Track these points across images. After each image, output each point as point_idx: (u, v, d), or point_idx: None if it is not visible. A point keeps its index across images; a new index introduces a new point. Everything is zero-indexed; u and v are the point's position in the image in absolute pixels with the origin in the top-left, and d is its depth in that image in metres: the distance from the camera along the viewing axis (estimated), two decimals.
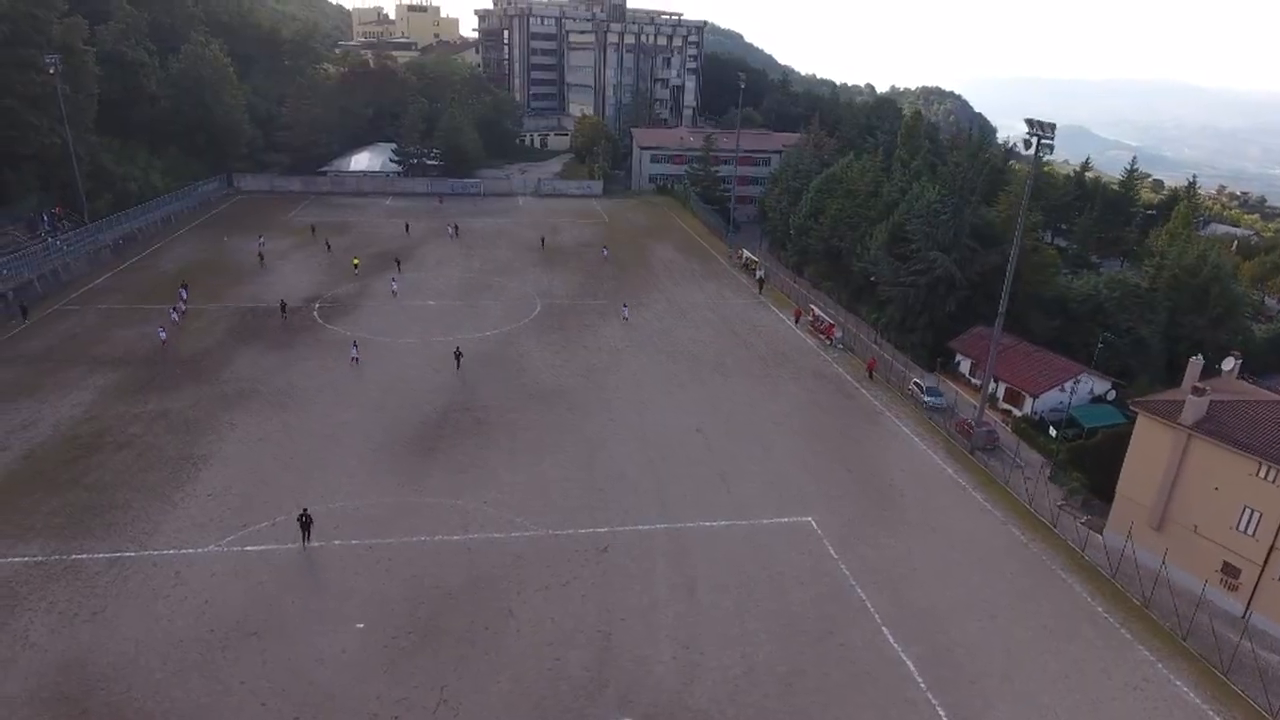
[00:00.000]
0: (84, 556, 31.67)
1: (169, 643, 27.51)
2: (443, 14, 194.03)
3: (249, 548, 32.76)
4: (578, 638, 28.50)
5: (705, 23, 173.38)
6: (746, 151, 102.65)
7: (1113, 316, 57.96)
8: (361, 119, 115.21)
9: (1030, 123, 38.56)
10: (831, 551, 34.31)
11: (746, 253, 79.64)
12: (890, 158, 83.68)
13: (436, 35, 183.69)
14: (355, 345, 52.02)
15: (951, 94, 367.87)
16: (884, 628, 29.94)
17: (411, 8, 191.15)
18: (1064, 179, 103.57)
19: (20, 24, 68.73)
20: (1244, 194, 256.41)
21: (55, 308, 58.17)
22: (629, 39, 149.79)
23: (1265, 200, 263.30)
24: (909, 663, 28.22)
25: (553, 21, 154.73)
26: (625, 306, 63.66)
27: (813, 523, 36.27)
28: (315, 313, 59.69)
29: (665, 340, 58.25)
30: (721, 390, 50.20)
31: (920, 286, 59.51)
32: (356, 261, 71.34)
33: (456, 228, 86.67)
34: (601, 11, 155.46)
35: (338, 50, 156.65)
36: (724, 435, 44.17)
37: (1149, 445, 37.66)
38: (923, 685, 27.20)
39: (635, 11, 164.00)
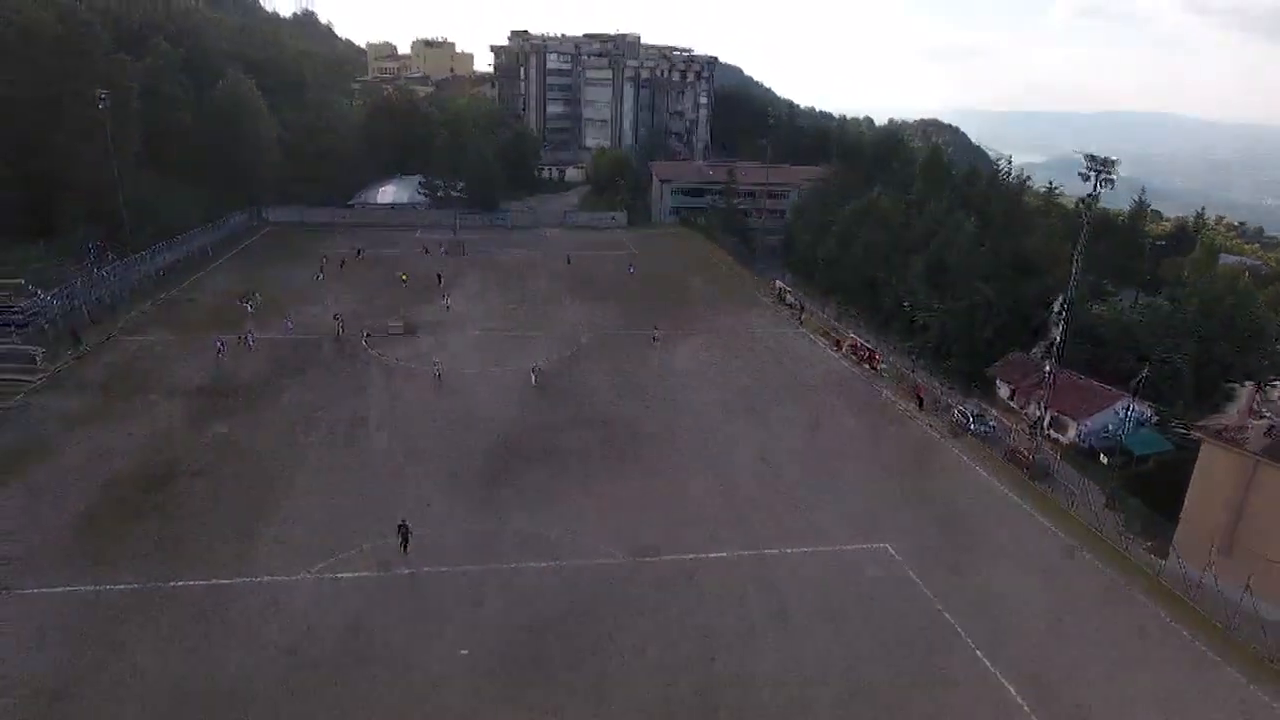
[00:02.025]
0: (181, 584, 31.96)
1: (279, 668, 27.78)
2: (457, 49, 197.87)
3: (341, 575, 33.10)
4: (683, 662, 28.86)
5: (715, 58, 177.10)
6: (768, 184, 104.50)
7: (1144, 344, 59.04)
8: (387, 152, 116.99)
9: (1090, 158, 39.86)
10: (913, 576, 34.82)
11: (780, 283, 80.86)
12: (910, 190, 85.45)
13: (451, 70, 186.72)
14: (438, 362, 54.79)
15: (949, 126, 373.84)
16: (978, 651, 30.37)
17: (428, 43, 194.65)
18: (1072, 210, 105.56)
19: (69, 60, 70.39)
20: (1241, 224, 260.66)
21: (107, 337, 58.70)
22: (644, 74, 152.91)
23: (1263, 230, 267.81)
24: (1010, 686, 28.62)
25: (568, 57, 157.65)
26: (656, 329, 64.98)
27: (890, 549, 36.78)
28: (364, 341, 60.40)
29: (714, 369, 59.10)
30: (777, 418, 50.92)
31: (959, 314, 60.69)
32: (404, 276, 77.37)
33: (462, 246, 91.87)
34: (616, 47, 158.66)
35: (356, 85, 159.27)
36: (788, 463, 44.83)
37: (1214, 471, 38.33)
38: (1026, 709, 27.59)
39: (648, 47, 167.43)
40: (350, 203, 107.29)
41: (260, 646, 28.83)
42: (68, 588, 31.30)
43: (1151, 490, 45.21)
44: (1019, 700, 28.03)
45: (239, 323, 62.13)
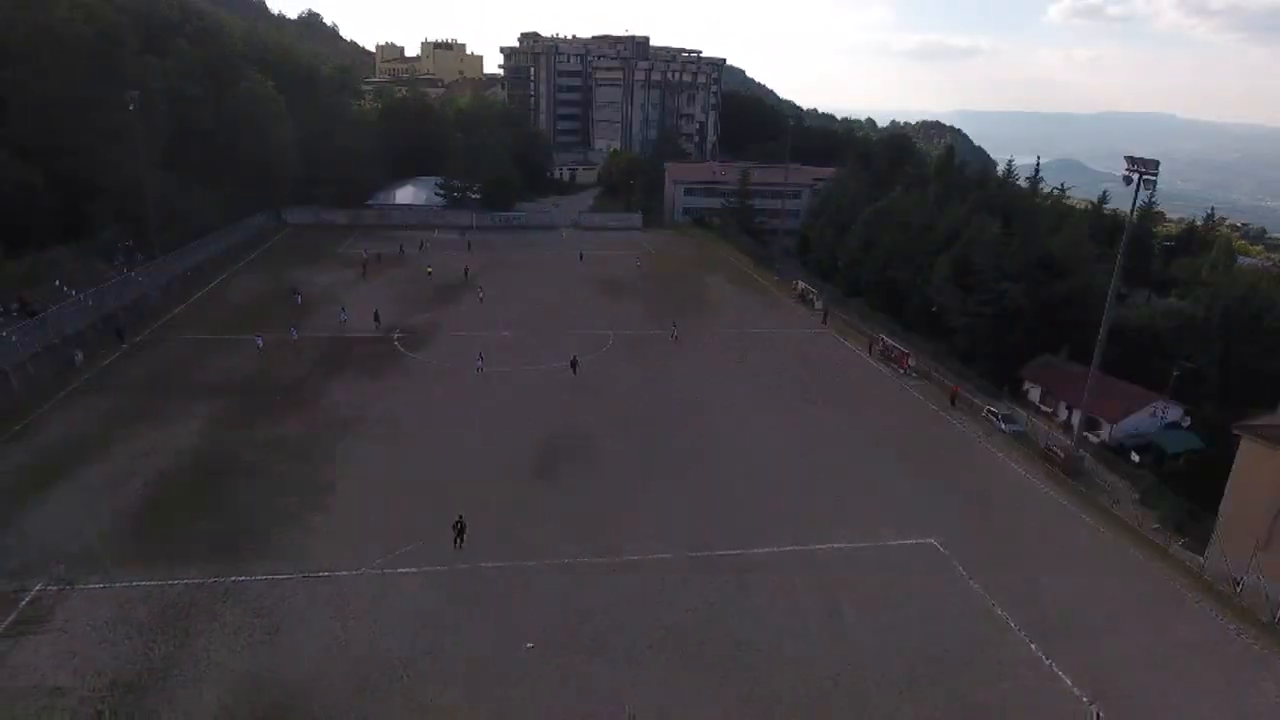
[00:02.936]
0: (244, 578, 32.35)
1: (349, 661, 28.19)
2: (467, 51, 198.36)
3: (400, 570, 33.51)
4: (743, 654, 29.32)
5: (723, 60, 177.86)
6: (786, 185, 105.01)
7: (1170, 346, 59.62)
8: (402, 153, 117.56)
9: (1131, 160, 40.35)
10: (962, 571, 35.31)
11: (802, 284, 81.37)
12: (925, 191, 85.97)
13: (461, 72, 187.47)
14: (481, 356, 55.78)
15: (951, 128, 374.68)
16: (1031, 644, 30.87)
17: (438, 45, 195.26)
18: (1081, 211, 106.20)
19: (98, 62, 70.83)
20: (1245, 225, 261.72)
21: (142, 337, 59.19)
22: (655, 76, 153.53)
23: (1265, 231, 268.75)
24: (1065, 678, 29.12)
25: (578, 59, 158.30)
26: (674, 325, 65.97)
27: (936, 544, 37.29)
28: (396, 342, 60.89)
29: (743, 369, 59.63)
30: (812, 417, 51.42)
31: (987, 316, 61.26)
32: (429, 270, 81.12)
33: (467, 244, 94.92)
34: (626, 49, 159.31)
35: (367, 87, 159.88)
36: (828, 460, 45.34)
37: (1254, 468, 38.90)
38: (1085, 700, 28.08)
39: (657, 49, 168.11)
40: (369, 204, 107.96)
41: (330, 639, 29.19)
42: (129, 583, 31.56)
43: (1184, 488, 45.94)
44: (1075, 691, 28.52)
45: (275, 321, 62.66)
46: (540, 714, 26.36)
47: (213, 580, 32.22)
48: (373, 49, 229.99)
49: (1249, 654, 31.60)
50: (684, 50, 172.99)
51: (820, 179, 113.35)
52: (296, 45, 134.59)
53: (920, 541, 37.45)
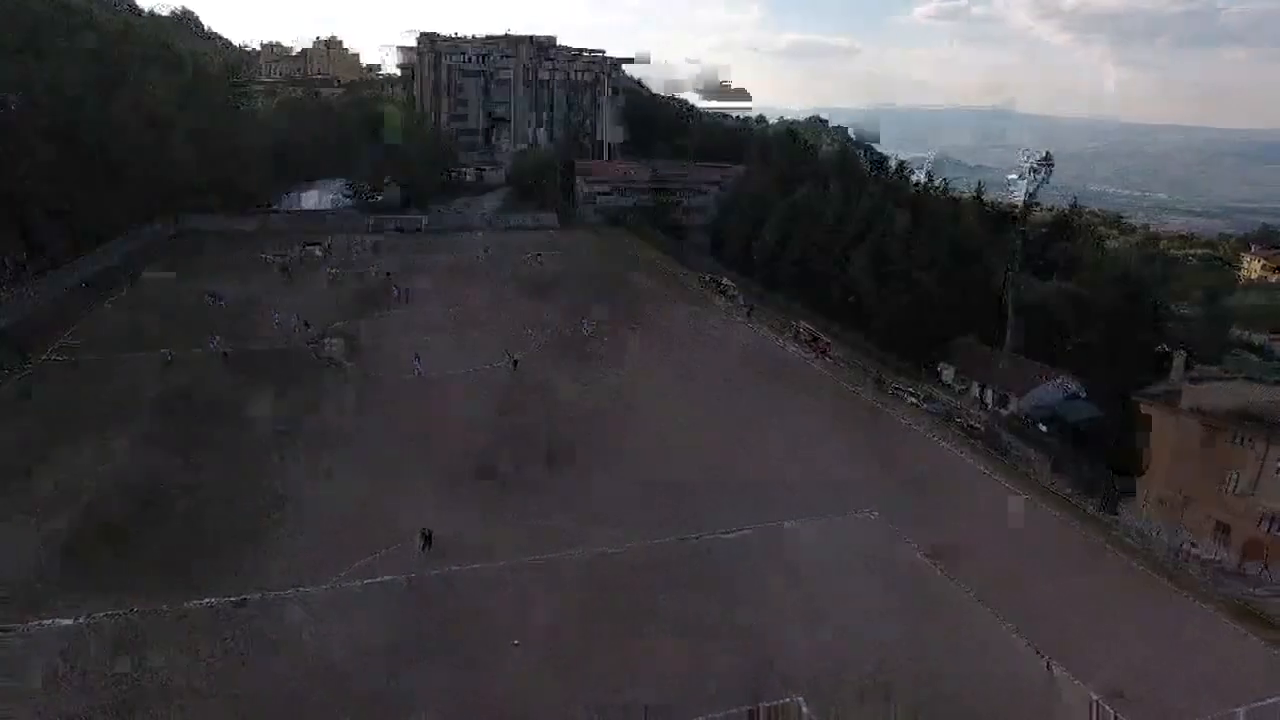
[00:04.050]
0: (209, 601, 31.16)
1: (336, 674, 27.86)
2: (357, 50, 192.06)
3: (368, 581, 33.11)
4: (722, 630, 30.78)
5: (626, 59, 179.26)
6: (693, 182, 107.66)
7: (1063, 323, 65.04)
8: (303, 155, 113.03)
9: (1030, 154, 44.08)
10: (905, 537, 37.94)
11: (725, 279, 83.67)
12: (827, 185, 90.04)
13: (355, 71, 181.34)
14: (418, 358, 55.19)
15: (837, 126, 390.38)
16: (979, 601, 33.64)
17: (329, 43, 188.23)
18: (967, 202, 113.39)
19: None
20: (1101, 211, 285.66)
21: (46, 355, 55.09)
22: (558, 75, 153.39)
23: (1120, 217, 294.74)
24: (1006, 623, 32.02)
25: (479, 59, 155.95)
26: (584, 320, 66.94)
27: (879, 515, 39.81)
28: (324, 349, 59.03)
29: (674, 361, 61.08)
30: (746, 404, 53.38)
31: (903, 303, 65.06)
32: (334, 270, 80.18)
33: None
34: (528, 49, 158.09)
35: (259, 87, 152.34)
36: (766, 445, 47.35)
37: (1155, 430, 43.47)
38: (1026, 640, 31.00)
39: (559, 49, 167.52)
40: (273, 208, 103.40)
41: (312, 654, 28.73)
42: (75, 619, 29.64)
43: (1088, 453, 50.50)
44: (1016, 635, 31.46)
45: (191, 333, 59.61)
46: (547, 709, 26.87)
47: (169, 608, 30.84)
48: (243, 46, 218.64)
49: (1154, 587, 35.93)
50: (585, 50, 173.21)
51: (726, 175, 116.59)
52: (180, 43, 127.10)
53: (865, 514, 39.90)
